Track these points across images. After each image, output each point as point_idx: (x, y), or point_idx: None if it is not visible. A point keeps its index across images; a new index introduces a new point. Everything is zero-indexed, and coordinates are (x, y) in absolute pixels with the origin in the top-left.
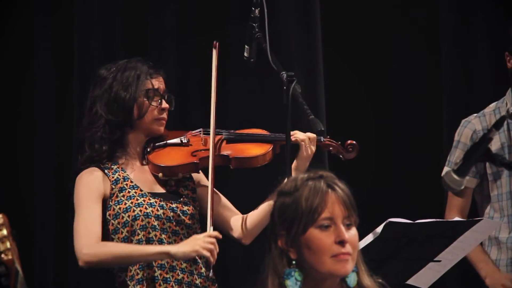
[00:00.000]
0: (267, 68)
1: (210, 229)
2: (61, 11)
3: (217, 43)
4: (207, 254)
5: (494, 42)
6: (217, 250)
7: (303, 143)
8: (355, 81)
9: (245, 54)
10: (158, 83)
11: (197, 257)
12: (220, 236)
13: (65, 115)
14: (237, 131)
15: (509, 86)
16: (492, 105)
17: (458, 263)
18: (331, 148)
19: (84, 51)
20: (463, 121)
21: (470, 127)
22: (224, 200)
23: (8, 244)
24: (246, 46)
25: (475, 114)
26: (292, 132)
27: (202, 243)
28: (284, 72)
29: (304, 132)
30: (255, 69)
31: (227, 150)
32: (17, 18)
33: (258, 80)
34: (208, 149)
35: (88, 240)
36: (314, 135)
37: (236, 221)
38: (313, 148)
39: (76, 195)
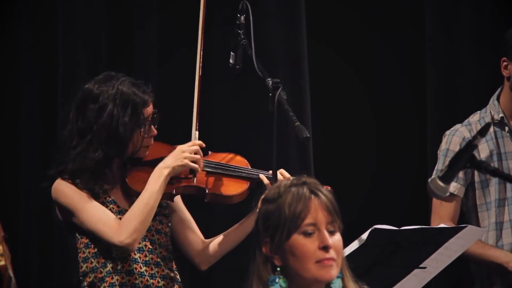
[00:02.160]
0: (252, 74)
1: (195, 135)
2: (46, 26)
3: None
4: (195, 166)
5: (479, 50)
6: (202, 156)
7: (265, 182)
8: (341, 86)
9: (231, 61)
10: (148, 110)
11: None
12: (204, 145)
13: (49, 123)
14: (218, 160)
15: (491, 95)
16: (476, 115)
17: (444, 269)
18: None
19: (69, 64)
20: (448, 131)
21: (458, 135)
22: (190, 221)
23: (1, 249)
24: (231, 53)
25: (460, 124)
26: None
27: (188, 155)
28: (269, 79)
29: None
30: (240, 76)
31: (205, 183)
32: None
33: (244, 87)
34: (187, 179)
35: (112, 229)
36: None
37: (198, 245)
38: None
39: (69, 196)
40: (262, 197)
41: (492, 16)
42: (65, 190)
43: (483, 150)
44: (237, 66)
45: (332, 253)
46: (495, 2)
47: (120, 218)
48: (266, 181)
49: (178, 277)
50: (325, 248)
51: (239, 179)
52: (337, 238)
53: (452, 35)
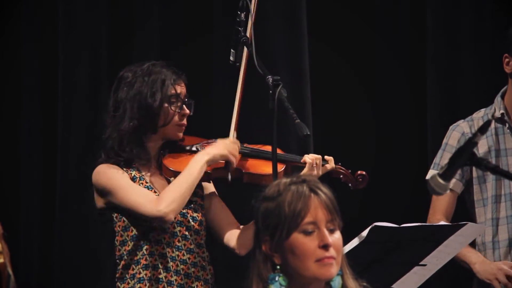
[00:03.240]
0: (253, 72)
1: (233, 135)
2: (47, 26)
3: None
4: (233, 159)
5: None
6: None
7: (311, 161)
8: (342, 84)
9: (231, 58)
10: (180, 88)
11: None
12: (239, 144)
13: (49, 124)
14: (253, 146)
15: (496, 93)
16: (481, 111)
17: (444, 266)
18: (341, 176)
19: (69, 64)
20: (451, 126)
21: (458, 130)
22: (225, 209)
23: (0, 247)
24: (232, 50)
25: (463, 119)
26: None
27: (232, 149)
28: (270, 76)
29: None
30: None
31: (241, 164)
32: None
33: (244, 84)
34: (221, 163)
35: (151, 200)
36: (320, 158)
37: (234, 231)
38: (317, 172)
39: (109, 177)
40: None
41: (493, 15)
42: (106, 171)
43: (482, 146)
44: (237, 64)
45: (332, 252)
46: (496, 1)
47: None
48: (309, 160)
49: (209, 267)
50: (325, 246)
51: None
52: (337, 236)
53: (452, 34)
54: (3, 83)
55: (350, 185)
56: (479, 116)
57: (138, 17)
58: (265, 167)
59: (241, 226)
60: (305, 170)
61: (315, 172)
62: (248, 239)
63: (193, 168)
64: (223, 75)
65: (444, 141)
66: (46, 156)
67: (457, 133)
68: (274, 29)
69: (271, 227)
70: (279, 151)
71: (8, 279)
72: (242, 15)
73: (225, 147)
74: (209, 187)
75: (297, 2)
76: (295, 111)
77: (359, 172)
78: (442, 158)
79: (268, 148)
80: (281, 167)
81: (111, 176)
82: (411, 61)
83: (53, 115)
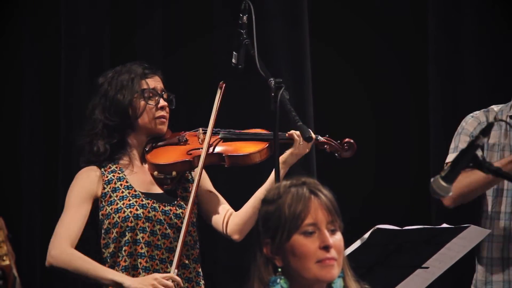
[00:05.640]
0: (255, 74)
1: (173, 272)
2: (47, 26)
3: (223, 84)
4: None
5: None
6: None
7: (298, 138)
8: (344, 85)
9: (233, 61)
10: (154, 82)
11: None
12: (182, 284)
13: (50, 123)
14: (236, 131)
15: (494, 95)
16: (500, 106)
17: (448, 271)
18: (326, 146)
19: (70, 63)
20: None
21: (475, 119)
22: (218, 196)
23: (5, 249)
24: (234, 52)
25: (478, 110)
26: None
27: (157, 283)
28: (272, 79)
29: None
30: (242, 76)
31: (222, 148)
32: (4, 44)
33: (246, 87)
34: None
35: (60, 243)
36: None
37: (227, 217)
38: (304, 147)
39: (68, 192)
40: (264, 197)
41: (494, 16)
42: (73, 184)
43: (492, 137)
44: (240, 66)
45: (333, 253)
46: (497, 2)
47: (136, 202)
48: (296, 137)
49: (193, 265)
50: (326, 247)
51: (257, 141)
52: (338, 237)
53: (454, 35)
54: (3, 83)
55: (336, 155)
56: (496, 110)
57: (139, 17)
58: (246, 148)
59: (234, 212)
60: (293, 147)
61: (302, 148)
62: (241, 224)
63: (105, 274)
64: (224, 74)
65: (461, 125)
66: (47, 157)
67: (474, 121)
68: (275, 30)
69: (272, 229)
70: (263, 130)
71: (14, 281)
72: (244, 18)
73: (152, 281)
74: (203, 177)
75: (298, 3)
76: (297, 112)
77: (346, 139)
78: (461, 141)
79: (255, 131)
80: (263, 145)
81: (70, 191)
82: (413, 61)
83: (54, 115)
